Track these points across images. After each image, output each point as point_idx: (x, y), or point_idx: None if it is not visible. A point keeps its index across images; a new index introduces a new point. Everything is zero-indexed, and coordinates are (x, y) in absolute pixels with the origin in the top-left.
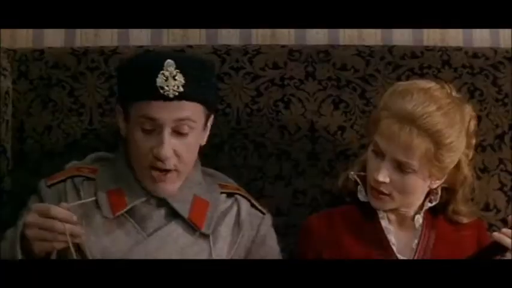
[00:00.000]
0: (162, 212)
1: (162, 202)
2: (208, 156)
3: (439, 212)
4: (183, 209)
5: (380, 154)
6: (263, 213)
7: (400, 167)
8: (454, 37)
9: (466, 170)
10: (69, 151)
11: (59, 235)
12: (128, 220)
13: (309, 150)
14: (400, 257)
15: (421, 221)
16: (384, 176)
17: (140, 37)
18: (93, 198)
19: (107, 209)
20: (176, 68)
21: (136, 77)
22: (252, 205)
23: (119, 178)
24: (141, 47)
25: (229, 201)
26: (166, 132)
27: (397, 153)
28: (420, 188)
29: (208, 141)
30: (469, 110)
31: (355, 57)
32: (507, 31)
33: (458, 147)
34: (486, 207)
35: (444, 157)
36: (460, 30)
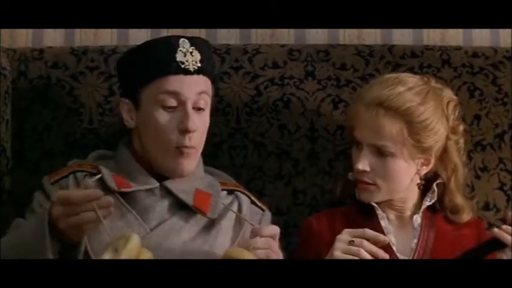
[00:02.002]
0: (165, 204)
1: (166, 193)
2: (208, 155)
3: (437, 211)
4: (188, 199)
5: (359, 145)
6: (263, 210)
7: (378, 153)
8: (454, 36)
9: (456, 157)
10: (69, 150)
11: (88, 214)
12: (129, 211)
13: (308, 149)
14: (399, 256)
15: (419, 220)
16: (363, 164)
17: (140, 37)
18: (98, 176)
19: (112, 183)
20: (191, 45)
21: (151, 58)
22: (252, 202)
23: (122, 169)
24: None
25: (230, 197)
26: (190, 106)
27: (370, 138)
28: (404, 171)
29: (208, 140)
30: (447, 93)
31: (354, 57)
32: (507, 30)
33: (437, 127)
34: (486, 207)
35: (421, 137)
36: (460, 30)
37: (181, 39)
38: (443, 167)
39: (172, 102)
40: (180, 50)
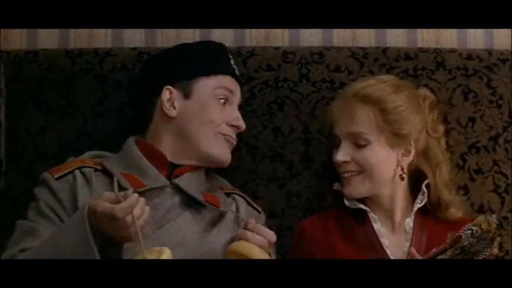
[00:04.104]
0: (174, 202)
1: (176, 192)
2: None
3: (429, 213)
4: (198, 196)
5: (338, 143)
6: (259, 212)
7: (355, 142)
8: (448, 39)
9: (439, 154)
10: (63, 153)
11: (134, 225)
12: None
13: (302, 152)
14: None
15: (411, 224)
16: (342, 155)
17: (134, 38)
18: (115, 179)
19: (126, 184)
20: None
21: (210, 55)
22: (248, 203)
23: (130, 165)
24: (134, 48)
25: (228, 200)
26: (236, 106)
27: (346, 127)
28: (384, 159)
29: None
30: (423, 91)
31: (349, 59)
32: (501, 32)
33: (412, 116)
34: (480, 209)
35: (397, 123)
36: (454, 32)
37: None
38: (427, 163)
39: (226, 97)
40: (231, 58)
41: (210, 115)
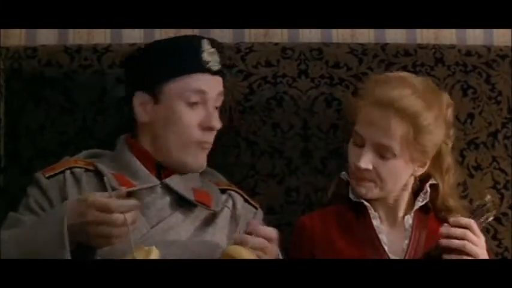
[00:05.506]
0: (166, 201)
1: (167, 191)
2: None
3: (430, 211)
4: (189, 195)
5: (360, 142)
6: (256, 208)
7: (381, 153)
8: (447, 35)
9: (449, 160)
10: (63, 149)
11: (120, 228)
12: None
13: (301, 148)
14: (391, 256)
15: (411, 221)
16: (365, 162)
17: (133, 36)
18: (106, 178)
19: (117, 186)
20: (212, 47)
21: (177, 54)
22: (245, 200)
23: (121, 166)
24: (133, 44)
25: (224, 196)
26: (212, 104)
27: (377, 137)
28: (404, 173)
29: None
30: (446, 98)
31: (348, 55)
32: (500, 29)
33: (437, 132)
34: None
35: (424, 140)
36: (454, 29)
37: (203, 39)
38: (436, 169)
39: (197, 99)
40: (204, 51)
41: (179, 122)
